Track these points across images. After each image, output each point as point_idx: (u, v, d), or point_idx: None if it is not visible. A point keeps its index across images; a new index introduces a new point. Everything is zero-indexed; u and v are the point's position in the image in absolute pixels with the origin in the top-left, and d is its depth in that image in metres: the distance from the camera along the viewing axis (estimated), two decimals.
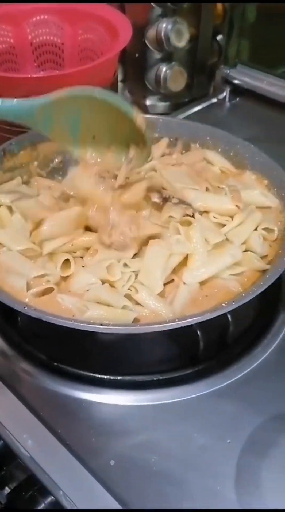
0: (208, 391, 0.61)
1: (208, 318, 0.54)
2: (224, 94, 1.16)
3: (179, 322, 0.53)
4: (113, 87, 0.99)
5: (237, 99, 1.17)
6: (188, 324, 0.54)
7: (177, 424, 0.58)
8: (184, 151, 0.82)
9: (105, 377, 0.63)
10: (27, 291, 0.59)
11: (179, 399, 0.60)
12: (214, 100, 1.17)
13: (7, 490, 0.63)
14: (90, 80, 0.88)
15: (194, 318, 0.54)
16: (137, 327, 0.54)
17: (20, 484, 0.59)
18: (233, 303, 0.55)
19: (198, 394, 0.61)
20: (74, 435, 0.57)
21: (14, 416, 0.58)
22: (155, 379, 0.63)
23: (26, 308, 0.55)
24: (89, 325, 0.53)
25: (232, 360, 0.64)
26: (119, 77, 1.14)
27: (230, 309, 0.55)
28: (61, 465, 0.55)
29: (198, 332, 0.65)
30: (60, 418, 0.59)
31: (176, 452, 0.56)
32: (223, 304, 0.55)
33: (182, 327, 0.54)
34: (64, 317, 0.54)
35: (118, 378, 0.63)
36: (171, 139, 0.83)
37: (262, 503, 0.52)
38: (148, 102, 1.17)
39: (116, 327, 0.54)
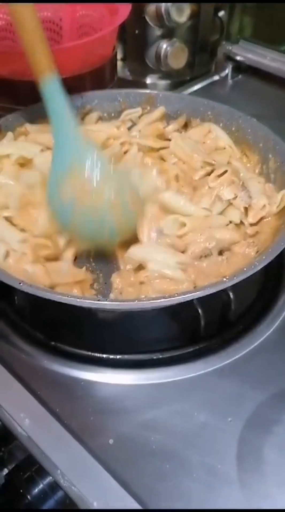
0: (209, 369, 0.60)
1: (208, 293, 0.53)
2: (226, 71, 1.14)
3: (178, 297, 0.52)
4: (112, 65, 0.97)
5: (240, 76, 1.14)
6: (187, 299, 0.52)
7: (177, 403, 0.57)
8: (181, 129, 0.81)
9: (104, 355, 0.61)
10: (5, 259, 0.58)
11: (179, 378, 0.59)
12: (216, 77, 1.14)
13: (5, 471, 0.62)
14: (87, 56, 0.87)
15: (194, 293, 0.53)
16: (135, 302, 0.53)
17: (18, 465, 0.58)
18: (235, 278, 0.54)
19: (199, 373, 0.59)
20: (73, 414, 0.56)
21: (11, 395, 0.57)
22: (154, 357, 0.61)
23: (21, 284, 0.53)
24: (85, 301, 0.51)
25: (234, 338, 0.63)
26: (119, 55, 1.12)
27: (231, 284, 0.54)
28: (59, 445, 0.53)
29: (199, 309, 0.63)
30: (58, 398, 0.57)
31: (176, 430, 0.55)
32: (224, 279, 0.53)
33: (181, 303, 0.52)
34: (60, 293, 0.53)
35: (118, 357, 0.61)
36: (170, 113, 0.81)
37: (263, 481, 0.51)
38: (148, 81, 1.15)
39: (111, 303, 0.52)
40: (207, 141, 0.75)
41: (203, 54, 1.15)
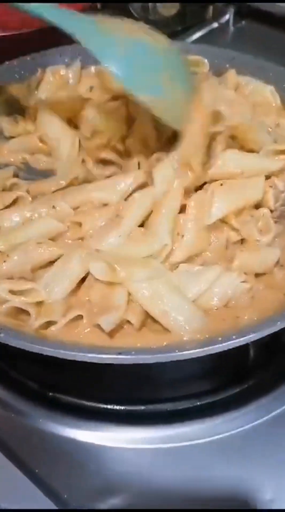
0: (264, 418, 0.45)
1: (264, 335, 0.37)
2: (227, 17, 0.98)
3: (229, 343, 0.36)
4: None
5: (243, 22, 0.98)
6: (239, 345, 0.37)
7: (229, 470, 0.42)
8: None
9: (122, 407, 0.45)
10: None
11: (225, 434, 0.44)
12: (215, 25, 0.98)
13: None
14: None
15: (247, 336, 0.37)
16: (176, 353, 0.36)
17: None
18: None
19: (251, 424, 0.44)
20: (84, 500, 0.41)
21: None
22: (190, 406, 0.45)
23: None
24: (108, 357, 0.36)
25: None
26: (98, 4, 0.93)
27: None
28: None
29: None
30: (63, 476, 0.42)
31: None
32: None
33: None
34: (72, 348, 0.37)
35: (142, 408, 0.45)
36: None
37: None
38: None
39: (144, 356, 0.36)
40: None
41: None
